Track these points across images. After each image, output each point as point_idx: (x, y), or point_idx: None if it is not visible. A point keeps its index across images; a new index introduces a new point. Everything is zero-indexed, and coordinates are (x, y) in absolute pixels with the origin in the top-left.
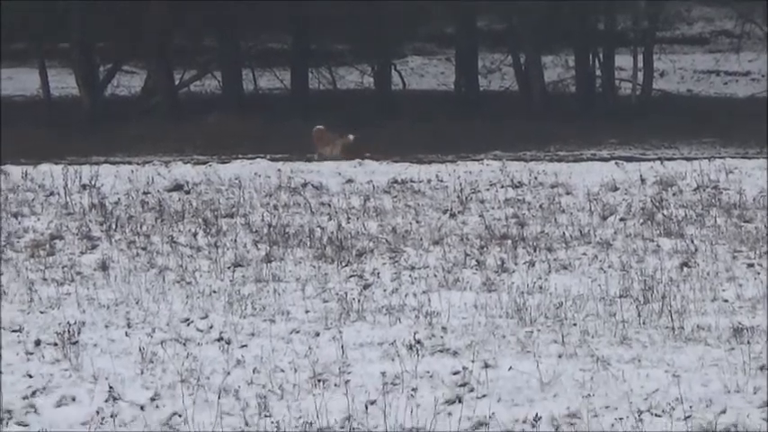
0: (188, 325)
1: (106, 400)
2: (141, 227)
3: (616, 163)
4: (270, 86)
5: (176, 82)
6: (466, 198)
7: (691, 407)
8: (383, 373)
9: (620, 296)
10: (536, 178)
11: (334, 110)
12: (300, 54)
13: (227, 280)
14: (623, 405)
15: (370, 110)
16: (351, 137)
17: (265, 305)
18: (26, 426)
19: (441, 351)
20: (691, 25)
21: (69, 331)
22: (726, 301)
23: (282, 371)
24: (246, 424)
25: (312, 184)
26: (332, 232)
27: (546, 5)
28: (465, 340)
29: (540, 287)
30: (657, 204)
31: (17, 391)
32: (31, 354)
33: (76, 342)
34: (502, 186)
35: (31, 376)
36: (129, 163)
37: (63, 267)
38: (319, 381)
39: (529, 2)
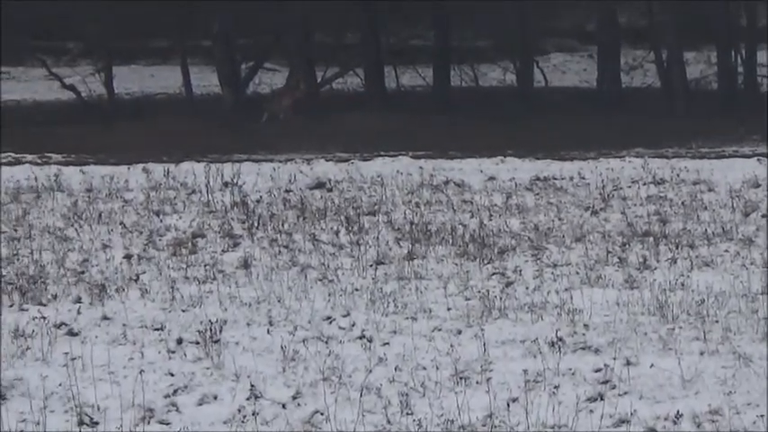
0: (330, 323)
1: (248, 399)
2: (283, 225)
3: (758, 159)
4: (412, 84)
5: (318, 79)
6: (608, 195)
7: None
8: (525, 371)
9: (763, 293)
10: (678, 175)
11: (476, 107)
12: (443, 51)
13: (369, 278)
14: (764, 402)
15: (513, 107)
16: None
17: (407, 303)
18: (168, 424)
19: (583, 348)
20: None
21: (211, 329)
22: None
23: (424, 368)
24: (389, 422)
25: (454, 182)
26: (474, 230)
27: (688, 0)
28: (607, 338)
29: (683, 284)
30: None
31: (159, 390)
32: (173, 352)
33: (218, 340)
34: (644, 183)
35: (172, 375)
36: (271, 161)
37: (205, 266)
38: (461, 378)
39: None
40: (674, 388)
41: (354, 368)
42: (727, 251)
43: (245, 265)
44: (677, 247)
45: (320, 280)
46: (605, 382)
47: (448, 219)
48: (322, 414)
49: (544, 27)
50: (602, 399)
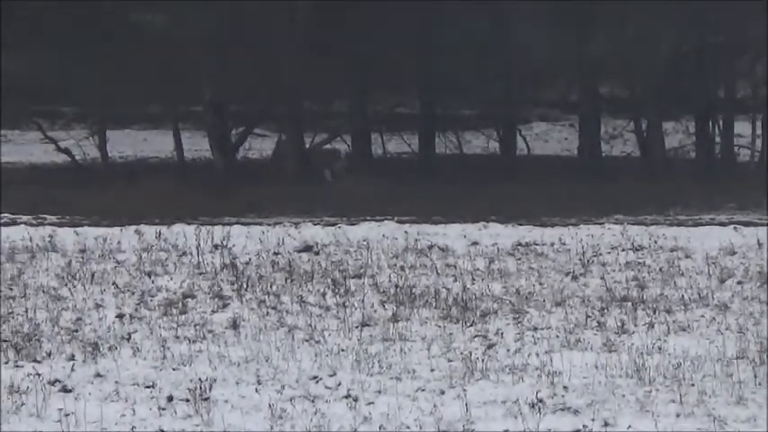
0: (316, 382)
1: None
2: (271, 286)
3: (734, 227)
4: (398, 150)
5: (307, 145)
6: (588, 261)
7: None
8: (506, 431)
9: (737, 357)
10: (656, 242)
11: (459, 173)
12: (428, 119)
13: (354, 339)
14: None
15: (496, 174)
16: None
17: (392, 363)
18: None
19: (562, 409)
20: None
21: (201, 387)
22: None
23: (408, 428)
24: None
25: (438, 246)
26: (457, 293)
27: (668, 74)
28: (585, 399)
29: (659, 348)
30: None
31: None
32: (164, 409)
33: (208, 398)
34: (623, 250)
35: (163, 431)
36: (260, 224)
37: (195, 325)
38: None
39: (651, 70)
40: None
41: (340, 426)
42: (703, 316)
43: (234, 325)
44: (654, 312)
45: (307, 340)
46: None
47: (432, 282)
48: None
49: (527, 97)
50: None
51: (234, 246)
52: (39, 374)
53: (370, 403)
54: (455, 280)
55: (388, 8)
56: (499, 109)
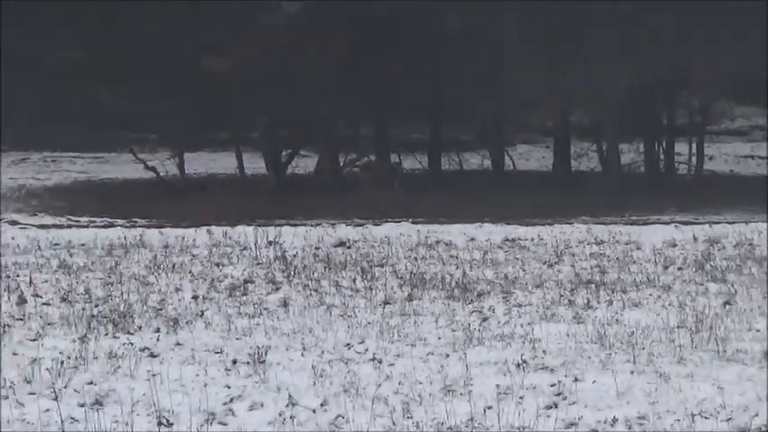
0: (349, 348)
1: (287, 406)
2: (313, 274)
3: (675, 226)
4: (412, 167)
5: (341, 163)
6: (560, 252)
7: (731, 411)
8: (498, 386)
9: (678, 327)
10: (614, 237)
11: (460, 185)
12: (436, 142)
13: (378, 314)
14: (680, 410)
15: (489, 185)
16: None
17: (408, 333)
18: (226, 425)
19: (541, 368)
20: (733, 121)
21: (258, 353)
22: (758, 330)
23: (421, 383)
24: (394, 424)
25: (443, 242)
26: (458, 278)
27: (623, 106)
28: (559, 360)
29: (617, 320)
30: (706, 257)
31: (219, 399)
32: (229, 370)
33: (264, 361)
34: (588, 243)
35: (229, 387)
36: (305, 225)
37: (254, 304)
38: (449, 391)
39: (610, 103)
40: (610, 399)
41: (368, 383)
42: (651, 295)
43: (285, 304)
44: (613, 292)
45: (341, 316)
46: (559, 394)
47: (439, 270)
48: (343, 418)
49: (514, 125)
50: (556, 407)
51: (284, 242)
52: (132, 344)
53: (391, 365)
54: (457, 268)
55: (406, 59)
56: (492, 134)
